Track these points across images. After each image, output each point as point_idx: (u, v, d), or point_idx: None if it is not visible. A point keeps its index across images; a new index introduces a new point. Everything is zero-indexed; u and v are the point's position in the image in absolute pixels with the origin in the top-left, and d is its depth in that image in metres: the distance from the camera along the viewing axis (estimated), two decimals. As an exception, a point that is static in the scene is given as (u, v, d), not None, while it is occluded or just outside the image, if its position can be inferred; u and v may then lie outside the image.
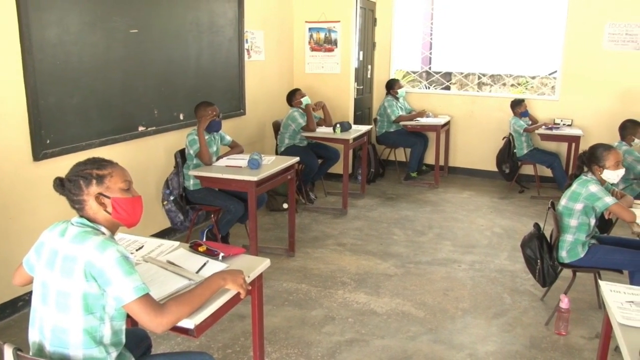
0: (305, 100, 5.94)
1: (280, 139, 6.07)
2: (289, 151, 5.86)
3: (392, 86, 7.20)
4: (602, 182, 3.58)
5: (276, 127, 6.23)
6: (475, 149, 7.67)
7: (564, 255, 3.63)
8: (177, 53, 4.80)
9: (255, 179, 3.97)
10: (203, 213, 4.86)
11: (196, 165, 4.35)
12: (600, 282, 2.39)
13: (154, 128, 4.57)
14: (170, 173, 4.45)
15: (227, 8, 5.43)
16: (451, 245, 5.14)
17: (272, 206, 5.83)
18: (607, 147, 3.61)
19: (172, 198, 4.34)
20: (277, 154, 6.00)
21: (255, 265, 2.34)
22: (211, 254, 2.40)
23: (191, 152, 4.32)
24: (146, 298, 1.76)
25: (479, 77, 9.05)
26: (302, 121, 5.91)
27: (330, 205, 6.22)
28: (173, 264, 2.31)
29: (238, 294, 2.08)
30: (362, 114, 7.44)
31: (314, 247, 4.96)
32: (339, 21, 6.71)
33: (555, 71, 7.66)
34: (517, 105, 6.87)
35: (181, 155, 4.44)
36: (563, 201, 3.67)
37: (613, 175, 3.54)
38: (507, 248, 5.12)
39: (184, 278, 2.16)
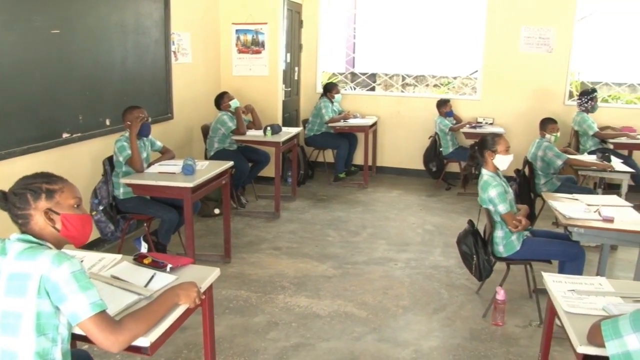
0: (234, 104, 5.85)
1: (209, 143, 5.95)
2: (219, 155, 5.76)
3: (329, 90, 7.23)
4: (494, 170, 3.77)
5: (205, 131, 6.10)
6: (402, 148, 7.84)
7: (500, 249, 3.77)
8: (101, 55, 4.59)
9: (190, 185, 3.86)
10: (134, 222, 4.67)
11: (126, 173, 4.17)
12: (544, 274, 2.49)
13: (79, 134, 4.35)
14: (98, 182, 4.24)
15: (153, 9, 5.26)
16: (386, 244, 5.22)
17: (203, 212, 5.70)
18: (498, 134, 3.90)
19: (101, 208, 4.14)
20: (206, 158, 5.89)
21: (205, 275, 2.27)
22: (158, 266, 2.31)
23: (120, 159, 4.13)
24: (103, 315, 1.67)
25: (403, 78, 9.24)
26: (231, 124, 5.82)
27: (262, 209, 6.15)
28: (118, 278, 2.20)
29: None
30: (289, 116, 7.42)
31: (249, 252, 4.89)
32: (266, 23, 6.66)
33: (476, 71, 7.95)
34: (442, 105, 7.08)
35: (109, 163, 4.25)
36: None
37: (504, 160, 3.76)
38: (439, 244, 5.25)
39: (132, 293, 2.06)
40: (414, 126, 7.73)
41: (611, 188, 6.43)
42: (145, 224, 4.38)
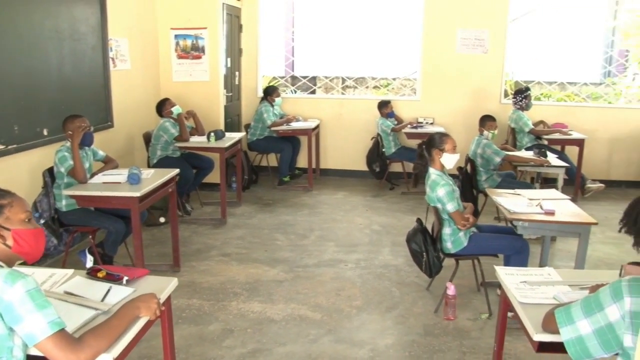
0: (176, 110, 5.75)
1: (151, 150, 5.82)
2: (162, 163, 5.65)
3: (270, 93, 7.20)
4: (441, 168, 3.89)
5: (147, 138, 5.96)
6: (345, 150, 7.91)
7: (449, 246, 3.86)
8: (36, 62, 4.40)
9: (137, 194, 3.77)
10: (78, 234, 4.52)
11: (68, 184, 4.02)
12: (496, 267, 2.58)
13: (14, 146, 4.15)
14: (38, 194, 4.07)
15: (89, 14, 5.10)
16: (335, 245, 5.25)
17: (148, 221, 5.57)
18: (444, 134, 4.01)
19: (42, 222, 3.98)
20: (149, 166, 5.76)
21: (163, 286, 2.22)
22: (113, 278, 2.24)
23: (62, 170, 3.98)
24: (62, 333, 1.61)
25: (344, 81, 9.33)
26: (174, 131, 5.72)
27: (208, 215, 6.07)
28: (72, 294, 2.12)
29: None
30: (232, 121, 7.36)
31: (198, 259, 4.82)
32: (205, 27, 6.58)
33: (415, 72, 8.13)
34: (384, 107, 7.20)
35: (50, 174, 4.08)
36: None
37: (451, 158, 3.88)
38: (387, 244, 5.33)
39: (89, 309, 2.00)
40: (356, 128, 7.81)
41: (546, 182, 6.72)
42: (90, 236, 4.24)
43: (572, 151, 7.07)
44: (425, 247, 3.92)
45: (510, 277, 2.44)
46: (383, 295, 4.21)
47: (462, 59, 7.45)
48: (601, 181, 7.18)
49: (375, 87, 9.60)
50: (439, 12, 7.36)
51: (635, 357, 1.10)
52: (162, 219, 5.64)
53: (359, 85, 9.26)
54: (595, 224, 3.66)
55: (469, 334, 3.66)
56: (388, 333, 3.63)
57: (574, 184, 6.71)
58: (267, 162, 7.64)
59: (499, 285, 4.15)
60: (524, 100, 6.77)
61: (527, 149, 6.42)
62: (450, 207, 3.77)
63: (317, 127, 7.67)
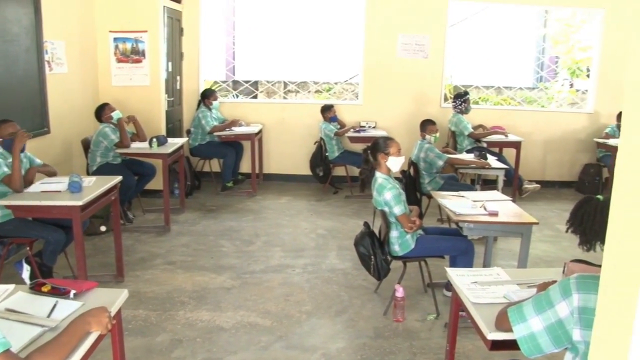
0: (116, 115, 5.59)
1: (91, 157, 5.63)
2: (103, 170, 5.47)
3: (207, 96, 7.10)
4: (387, 172, 3.94)
5: (86, 144, 5.76)
6: (288, 154, 7.89)
7: (397, 249, 3.91)
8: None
9: (80, 203, 3.62)
10: (14, 245, 4.31)
11: (2, 194, 3.82)
12: (447, 269, 2.62)
13: (-58, 154, 3.93)
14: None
15: (22, 14, 4.87)
16: (281, 251, 5.22)
17: (88, 230, 5.37)
18: (389, 138, 4.07)
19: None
20: (88, 173, 5.56)
21: (114, 299, 2.14)
22: (59, 293, 2.14)
23: (-6, 178, 3.79)
24: (8, 354, 1.51)
25: (286, 85, 9.31)
26: (114, 137, 5.56)
27: (150, 223, 5.92)
28: (15, 311, 2.01)
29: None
30: (173, 126, 7.21)
31: (142, 269, 4.69)
32: (146, 31, 6.41)
33: (356, 75, 8.21)
34: (327, 111, 7.23)
35: (-19, 183, 3.87)
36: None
37: (397, 161, 3.95)
38: (333, 248, 5.34)
39: (34, 326, 1.90)
40: (299, 132, 7.81)
41: (485, 183, 6.92)
42: (27, 247, 4.05)
43: (509, 153, 7.32)
44: (373, 250, 3.95)
45: (461, 278, 2.49)
46: (332, 299, 4.22)
47: (403, 63, 7.59)
48: (537, 182, 7.48)
49: (317, 91, 9.63)
50: (380, 17, 7.46)
51: (590, 356, 1.13)
52: (103, 228, 5.45)
53: (301, 89, 9.28)
54: (536, 223, 3.79)
55: (419, 334, 3.71)
56: (339, 337, 3.64)
57: (512, 185, 6.93)
58: (210, 167, 7.53)
59: (445, 286, 4.27)
60: (463, 104, 6.95)
61: (468, 151, 6.60)
62: (398, 210, 3.81)
63: (260, 131, 7.62)
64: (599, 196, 1.87)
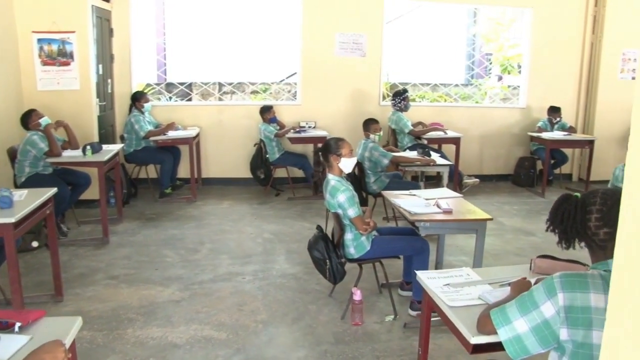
0: (44, 122, 5.24)
1: (18, 168, 5.25)
2: (32, 181, 5.13)
3: (138, 99, 6.78)
4: (340, 174, 3.87)
5: (12, 154, 5.36)
6: (227, 158, 7.68)
7: (352, 251, 3.83)
8: None
9: (12, 220, 3.33)
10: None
11: None
12: (418, 272, 2.55)
13: None
14: None
15: None
16: (228, 258, 5.05)
17: (20, 247, 5.00)
18: (340, 139, 3.98)
19: None
20: (15, 186, 5.18)
21: (67, 328, 1.95)
22: (1, 327, 1.91)
23: None
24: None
25: (221, 87, 9.07)
26: (43, 145, 5.20)
27: (87, 235, 5.59)
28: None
29: None
30: (106, 132, 6.85)
31: (83, 285, 4.39)
32: (73, 31, 6.03)
33: (293, 74, 8.10)
34: (266, 112, 7.08)
35: None
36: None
37: (349, 162, 3.90)
38: (282, 252, 5.22)
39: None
40: (237, 134, 7.62)
41: (427, 180, 6.99)
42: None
43: (448, 149, 7.41)
44: (327, 254, 3.86)
45: (432, 280, 2.43)
46: (287, 306, 4.10)
47: (341, 62, 7.55)
48: (475, 176, 7.62)
49: (253, 92, 9.45)
50: (317, 16, 7.39)
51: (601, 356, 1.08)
52: (35, 243, 5.09)
53: (238, 90, 9.08)
54: (491, 219, 3.81)
55: (379, 337, 3.65)
56: (299, 345, 3.53)
57: (453, 180, 7.01)
58: (147, 174, 7.21)
59: (399, 286, 4.24)
60: (402, 101, 6.98)
61: (410, 148, 6.63)
62: (352, 212, 3.74)
63: (198, 135, 7.38)
64: (576, 194, 1.85)
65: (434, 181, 7.63)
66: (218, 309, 4.02)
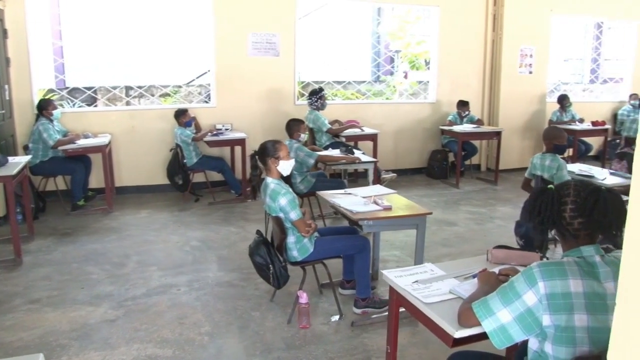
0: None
1: None
2: None
3: (45, 107, 6.31)
4: (279, 177, 3.84)
5: None
6: (141, 164, 7.35)
7: (295, 254, 3.79)
8: None
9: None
10: None
11: None
12: (385, 272, 2.54)
13: None
14: None
15: None
16: (158, 269, 4.84)
17: None
18: (277, 141, 3.94)
19: None
20: None
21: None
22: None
23: None
24: None
25: (128, 90, 8.66)
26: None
27: (-5, 257, 5.15)
28: None
29: None
30: (6, 143, 6.31)
31: (0, 314, 4.02)
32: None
33: (204, 73, 7.90)
34: (182, 115, 6.86)
35: None
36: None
37: (288, 164, 3.87)
38: (213, 259, 5.09)
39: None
40: (151, 140, 7.32)
41: (349, 177, 7.07)
42: None
43: (364, 145, 7.54)
44: (270, 258, 3.80)
45: (400, 279, 2.44)
46: (229, 315, 3.98)
47: (255, 62, 7.46)
48: (392, 171, 7.80)
49: (164, 95, 9.10)
50: (230, 16, 7.24)
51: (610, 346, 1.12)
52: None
53: (149, 94, 8.71)
54: (430, 213, 3.90)
55: (329, 338, 3.64)
56: (250, 354, 3.44)
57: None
58: (56, 185, 6.76)
59: (340, 285, 4.25)
60: (319, 100, 7.01)
61: (331, 147, 6.68)
62: (294, 215, 3.69)
63: (109, 142, 7.00)
64: (550, 186, 1.92)
65: (352, 178, 7.74)
66: (158, 324, 3.83)
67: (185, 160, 6.91)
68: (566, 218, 1.86)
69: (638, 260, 1.06)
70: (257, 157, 3.92)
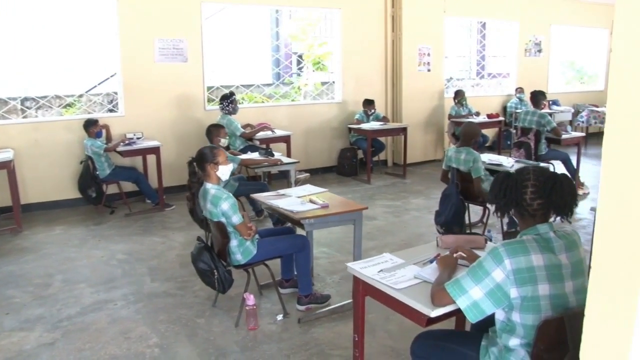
0: None
1: None
2: None
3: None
4: (218, 182, 3.92)
5: None
6: (49, 179, 7.00)
7: (239, 257, 3.86)
8: None
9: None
10: None
11: None
12: (349, 264, 2.69)
13: None
14: None
15: None
16: (88, 286, 4.69)
17: None
18: (214, 147, 4.04)
19: None
20: None
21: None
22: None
23: None
24: None
25: (23, 102, 8.18)
26: None
27: None
28: None
29: None
30: None
31: None
32: None
33: (107, 79, 7.66)
34: (91, 126, 6.65)
35: None
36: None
37: (226, 169, 3.95)
38: (144, 271, 5.01)
39: None
40: (58, 152, 6.99)
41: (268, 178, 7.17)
42: None
43: (277, 147, 7.66)
44: (214, 264, 3.84)
45: (366, 269, 2.60)
46: (174, 324, 3.97)
47: (163, 69, 7.36)
48: (305, 171, 7.99)
49: (67, 105, 8.70)
50: (135, 22, 7.08)
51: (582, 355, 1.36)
52: None
53: (47, 104, 8.29)
54: (366, 208, 4.11)
55: (280, 336, 3.74)
56: (204, 362, 3.47)
57: (287, 177, 7.28)
58: (-46, 207, 6.32)
59: (279, 284, 4.36)
60: (230, 104, 7.05)
61: (241, 150, 6.76)
62: (236, 219, 3.76)
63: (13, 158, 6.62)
64: (511, 172, 2.18)
65: (266, 180, 7.84)
66: (102, 341, 3.74)
67: (97, 172, 6.69)
68: (527, 200, 2.11)
69: (609, 228, 1.27)
70: (194, 163, 3.94)
